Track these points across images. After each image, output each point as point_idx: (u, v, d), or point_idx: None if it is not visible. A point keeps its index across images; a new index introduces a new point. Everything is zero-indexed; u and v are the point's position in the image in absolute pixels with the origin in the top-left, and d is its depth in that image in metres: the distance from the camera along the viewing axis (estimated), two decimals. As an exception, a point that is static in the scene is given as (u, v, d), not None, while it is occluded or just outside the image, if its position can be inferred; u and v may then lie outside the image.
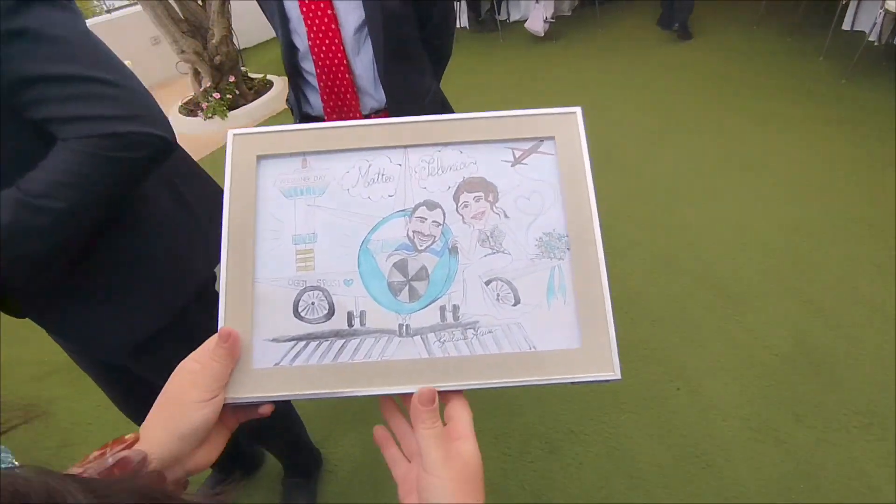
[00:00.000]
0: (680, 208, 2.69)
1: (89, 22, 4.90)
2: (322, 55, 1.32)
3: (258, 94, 4.70)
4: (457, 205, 0.52)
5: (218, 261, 0.50)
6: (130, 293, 0.97)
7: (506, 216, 0.52)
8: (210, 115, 4.30)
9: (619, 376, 0.48)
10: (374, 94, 1.40)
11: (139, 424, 0.44)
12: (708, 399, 1.78)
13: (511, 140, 0.53)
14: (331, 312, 0.50)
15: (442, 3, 1.43)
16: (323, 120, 1.43)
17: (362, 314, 0.50)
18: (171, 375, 0.45)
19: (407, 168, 0.53)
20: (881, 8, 3.46)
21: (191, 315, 1.03)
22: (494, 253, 0.51)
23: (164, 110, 0.85)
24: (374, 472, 1.73)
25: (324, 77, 1.36)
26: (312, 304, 0.50)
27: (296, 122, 1.43)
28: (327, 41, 1.30)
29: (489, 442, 1.77)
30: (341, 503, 1.67)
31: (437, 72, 1.58)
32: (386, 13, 1.26)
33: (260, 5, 1.43)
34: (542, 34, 5.00)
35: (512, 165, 0.53)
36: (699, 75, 4.13)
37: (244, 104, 4.57)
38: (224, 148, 0.54)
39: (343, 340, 0.49)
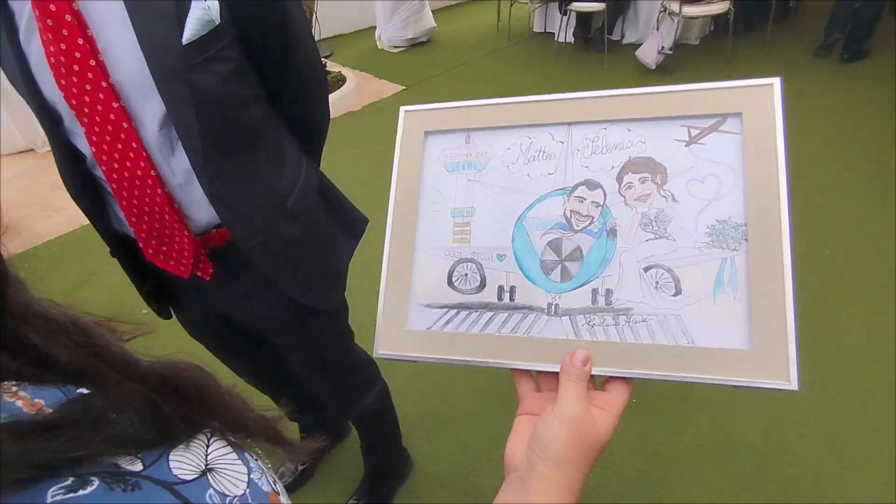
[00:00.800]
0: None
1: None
2: (115, 166, 0.84)
3: (330, 90, 4.72)
4: (619, 185, 0.49)
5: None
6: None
7: (674, 200, 0.48)
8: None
9: (796, 387, 0.42)
10: (205, 207, 0.92)
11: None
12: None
13: (687, 117, 0.49)
14: (482, 285, 0.51)
15: (302, 62, 0.94)
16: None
17: (512, 289, 0.50)
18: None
19: (569, 146, 0.51)
20: None
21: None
22: (657, 238, 0.47)
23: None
24: (462, 478, 1.72)
25: (125, 195, 0.87)
26: (466, 275, 0.52)
27: (108, 246, 1.01)
28: (119, 146, 0.81)
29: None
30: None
31: (310, 153, 1.11)
32: (199, 97, 0.80)
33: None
34: (653, 67, 4.22)
35: (686, 145, 0.48)
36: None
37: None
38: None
39: (492, 313, 0.50)
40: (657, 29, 4.34)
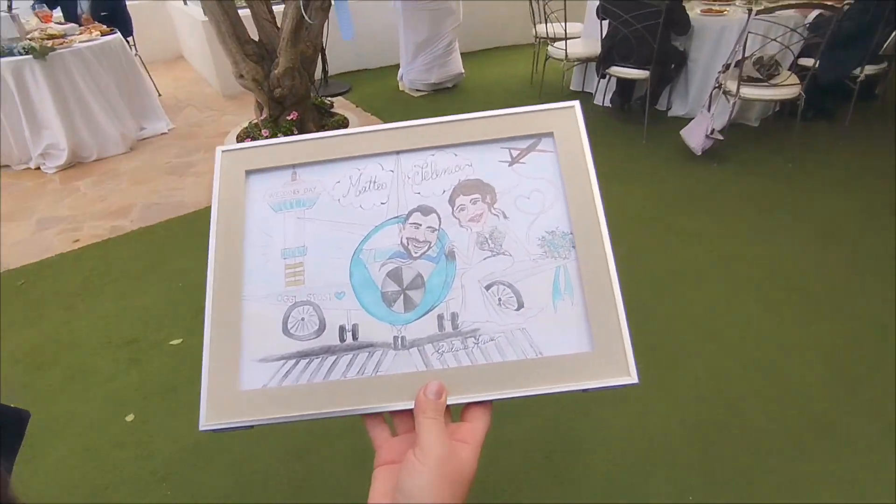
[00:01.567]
0: None
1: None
2: None
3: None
4: (453, 208, 0.51)
5: None
6: None
7: (505, 217, 0.50)
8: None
9: (636, 380, 0.44)
10: None
11: None
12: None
13: (507, 139, 0.52)
14: (321, 328, 0.48)
15: None
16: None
17: (354, 328, 0.47)
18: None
19: (399, 174, 0.52)
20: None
21: None
22: (494, 255, 0.49)
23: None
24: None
25: None
26: (302, 319, 0.48)
27: None
28: None
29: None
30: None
31: None
32: None
33: None
34: (699, 152, 3.51)
35: (509, 165, 0.52)
36: None
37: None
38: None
39: (335, 357, 0.47)
40: (708, 108, 3.52)
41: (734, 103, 3.56)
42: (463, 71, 5.34)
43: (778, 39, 3.30)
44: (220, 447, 1.82)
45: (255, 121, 3.90)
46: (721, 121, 3.60)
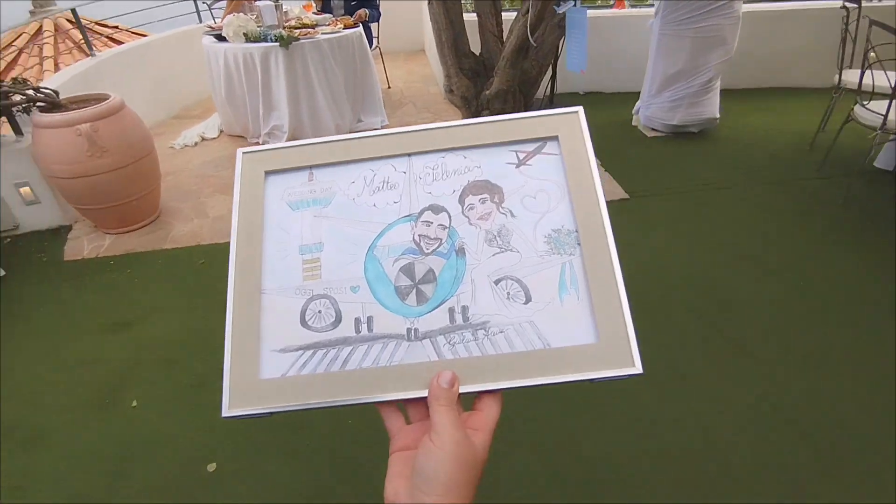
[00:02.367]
0: None
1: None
2: None
3: None
4: (462, 207, 0.58)
5: None
6: None
7: (512, 215, 0.57)
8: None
9: (640, 370, 0.50)
10: None
11: None
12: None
13: (514, 142, 0.60)
14: (338, 320, 0.55)
15: None
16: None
17: (369, 320, 0.54)
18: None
19: (411, 175, 0.60)
20: None
21: None
22: (503, 252, 0.56)
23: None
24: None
25: None
26: (319, 312, 0.55)
27: None
28: None
29: None
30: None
31: None
32: None
33: None
34: None
35: (516, 167, 0.59)
36: None
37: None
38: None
39: (350, 347, 0.53)
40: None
41: None
42: (717, 115, 4.41)
43: None
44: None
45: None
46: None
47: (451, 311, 0.54)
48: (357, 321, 0.54)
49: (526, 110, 3.49)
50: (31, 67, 7.54)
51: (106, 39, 7.82)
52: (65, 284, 3.00)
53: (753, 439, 1.93)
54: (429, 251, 0.56)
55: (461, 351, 0.53)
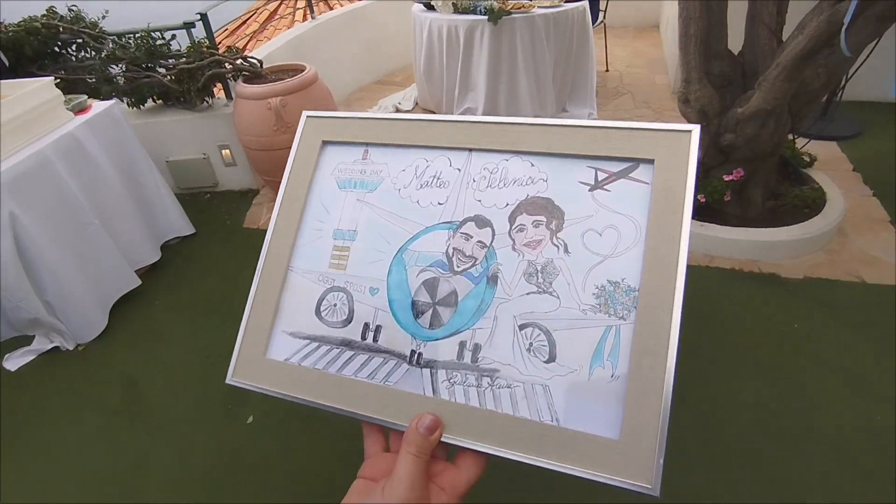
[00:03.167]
0: None
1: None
2: None
3: (809, 213, 2.87)
4: (511, 226, 0.53)
5: None
6: None
7: (566, 251, 0.51)
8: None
9: (656, 493, 0.45)
10: None
11: None
12: None
13: (597, 158, 0.52)
14: (349, 319, 0.57)
15: None
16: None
17: (378, 329, 0.56)
18: None
19: (466, 174, 0.56)
20: None
21: None
22: (540, 292, 0.51)
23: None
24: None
25: None
26: (335, 305, 0.58)
27: None
28: None
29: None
30: None
31: None
32: None
33: None
34: None
35: (590, 189, 0.52)
36: None
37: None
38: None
39: (352, 352, 0.56)
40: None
41: None
42: None
43: None
44: None
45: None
46: None
47: (463, 345, 0.53)
48: (366, 327, 0.56)
49: (784, 139, 2.44)
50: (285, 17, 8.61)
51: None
52: (239, 251, 3.40)
53: None
54: (459, 269, 0.55)
55: (458, 394, 0.52)
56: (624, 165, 0.51)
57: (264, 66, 3.61)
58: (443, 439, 0.50)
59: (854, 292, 2.56)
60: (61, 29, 3.25)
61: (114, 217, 2.85)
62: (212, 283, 3.14)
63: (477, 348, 0.53)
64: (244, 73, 3.55)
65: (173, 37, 3.52)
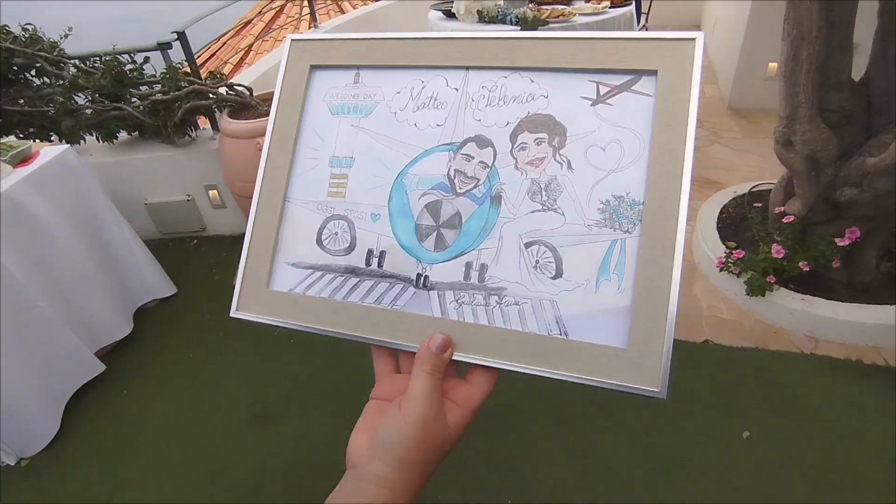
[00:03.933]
0: None
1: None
2: None
3: None
4: (512, 145, 0.65)
5: None
6: None
7: (569, 167, 0.63)
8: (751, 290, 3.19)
9: (663, 395, 0.56)
10: None
11: None
12: None
13: (598, 71, 0.63)
14: (351, 246, 0.69)
15: None
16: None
17: (381, 254, 0.67)
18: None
19: (464, 94, 0.68)
20: None
21: None
22: (545, 210, 0.63)
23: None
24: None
25: None
26: (336, 234, 0.69)
27: None
28: None
29: None
30: None
31: None
32: None
33: None
34: None
35: (592, 104, 0.63)
36: None
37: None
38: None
39: (357, 279, 0.68)
40: None
41: None
42: None
43: None
44: None
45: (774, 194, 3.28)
46: None
47: (469, 266, 0.64)
48: (369, 253, 0.68)
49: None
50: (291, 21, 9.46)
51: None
52: (227, 315, 3.51)
53: None
54: (461, 191, 0.66)
55: (467, 314, 0.63)
56: (626, 78, 0.62)
57: (254, 94, 3.79)
58: (454, 357, 0.61)
59: None
60: (15, 52, 3.35)
61: (69, 290, 2.83)
62: (194, 361, 3.19)
63: (483, 268, 0.64)
64: (230, 103, 3.70)
65: (146, 60, 3.66)
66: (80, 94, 3.57)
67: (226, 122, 3.58)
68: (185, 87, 3.64)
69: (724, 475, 2.30)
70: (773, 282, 3.12)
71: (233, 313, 0.71)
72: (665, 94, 0.60)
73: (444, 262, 0.65)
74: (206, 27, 4.03)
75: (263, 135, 2.46)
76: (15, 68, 3.49)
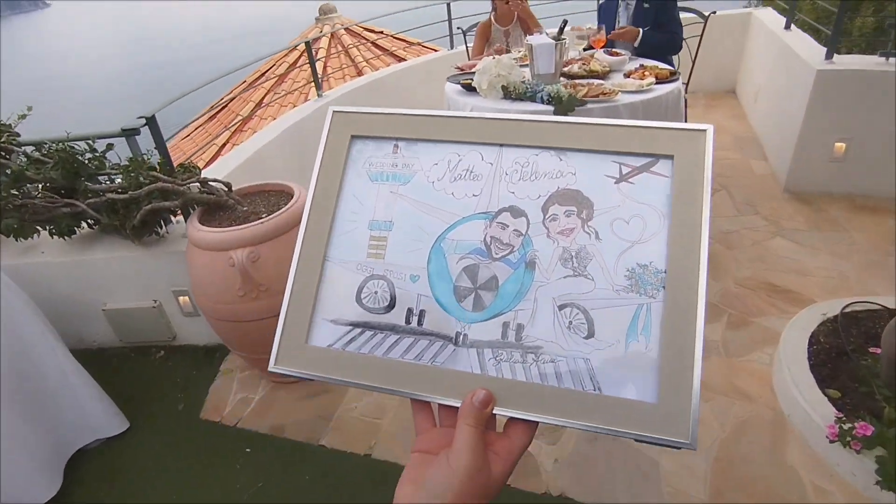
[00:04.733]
0: None
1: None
2: None
3: None
4: (544, 216, 0.80)
5: None
6: None
7: (597, 237, 0.78)
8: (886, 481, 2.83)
9: (694, 446, 0.69)
10: None
11: None
12: None
13: (620, 153, 0.81)
14: (391, 305, 0.82)
15: None
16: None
17: (421, 313, 0.81)
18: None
19: (498, 168, 0.83)
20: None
21: None
22: (576, 276, 0.78)
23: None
24: None
25: None
26: (375, 293, 0.82)
27: None
28: None
29: None
30: None
31: None
32: None
33: None
34: None
35: (616, 182, 0.80)
36: None
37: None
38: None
39: (397, 336, 0.81)
40: None
41: None
42: None
43: None
44: None
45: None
46: None
47: (506, 325, 0.79)
48: (409, 311, 0.82)
49: None
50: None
51: (370, 45, 11.14)
52: (192, 462, 3.44)
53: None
54: (497, 256, 0.81)
55: (505, 370, 0.77)
56: (646, 160, 0.81)
57: (234, 189, 3.68)
58: (494, 412, 0.75)
59: None
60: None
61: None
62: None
63: (520, 328, 0.79)
64: (202, 204, 3.60)
65: (109, 147, 3.58)
66: (29, 186, 3.41)
67: (194, 228, 3.44)
68: (148, 184, 3.58)
69: None
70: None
71: (271, 367, 0.83)
72: (681, 175, 0.79)
73: (483, 322, 0.81)
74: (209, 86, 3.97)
75: (239, 247, 2.86)
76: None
